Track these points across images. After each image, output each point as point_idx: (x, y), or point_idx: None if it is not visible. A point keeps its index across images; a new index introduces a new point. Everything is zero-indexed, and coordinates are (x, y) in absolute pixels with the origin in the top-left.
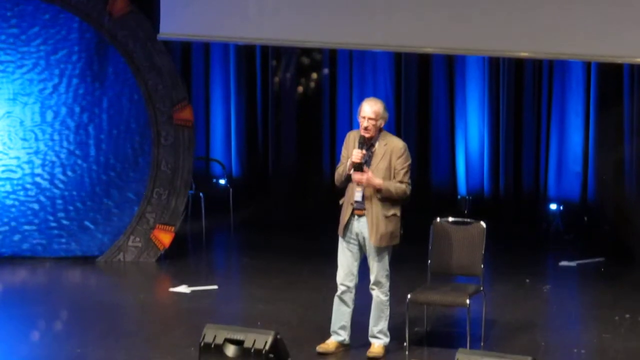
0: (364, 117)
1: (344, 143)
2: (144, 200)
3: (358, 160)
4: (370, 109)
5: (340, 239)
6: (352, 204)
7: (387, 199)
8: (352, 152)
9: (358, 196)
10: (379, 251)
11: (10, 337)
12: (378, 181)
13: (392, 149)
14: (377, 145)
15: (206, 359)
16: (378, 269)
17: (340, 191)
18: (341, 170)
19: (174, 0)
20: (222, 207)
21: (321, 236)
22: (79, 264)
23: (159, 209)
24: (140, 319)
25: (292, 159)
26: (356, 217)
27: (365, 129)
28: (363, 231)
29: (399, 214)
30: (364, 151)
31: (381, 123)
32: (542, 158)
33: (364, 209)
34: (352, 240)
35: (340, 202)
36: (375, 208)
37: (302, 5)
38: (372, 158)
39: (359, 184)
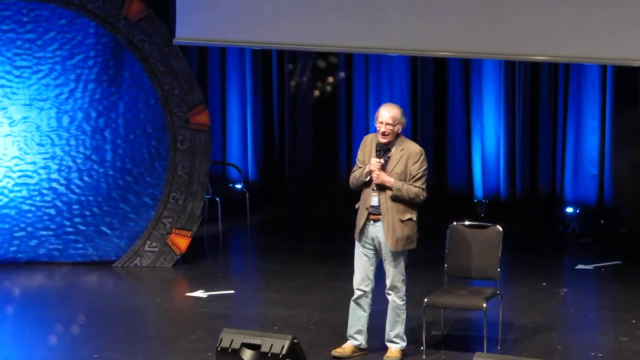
0: (381, 123)
1: (361, 146)
2: (161, 204)
3: (376, 170)
4: (388, 114)
5: (357, 243)
6: (367, 208)
7: (401, 202)
8: (368, 156)
9: (374, 201)
10: (395, 256)
11: (27, 341)
12: (388, 179)
13: (409, 154)
14: (393, 150)
15: None
16: (394, 274)
17: (357, 195)
18: (358, 174)
19: (189, 5)
20: (239, 211)
21: (337, 239)
22: (96, 268)
23: (175, 213)
24: (157, 323)
25: (308, 163)
26: (372, 221)
27: (383, 134)
28: (379, 236)
29: (415, 218)
30: (381, 160)
31: (399, 128)
32: (559, 161)
33: (380, 214)
34: (367, 245)
35: (356, 206)
36: (391, 212)
37: (317, 9)
38: (388, 163)
39: (371, 176)
